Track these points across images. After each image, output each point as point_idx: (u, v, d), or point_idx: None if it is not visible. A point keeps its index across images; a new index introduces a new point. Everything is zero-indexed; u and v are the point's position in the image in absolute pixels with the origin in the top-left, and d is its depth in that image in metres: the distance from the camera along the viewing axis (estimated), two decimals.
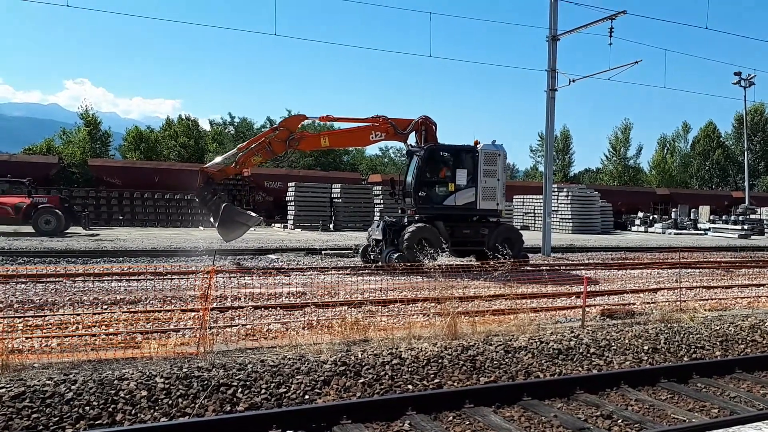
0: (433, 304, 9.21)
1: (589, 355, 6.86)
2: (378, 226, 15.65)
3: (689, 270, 15.66)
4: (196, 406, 4.98)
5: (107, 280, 11.54)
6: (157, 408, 4.91)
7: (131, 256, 16.19)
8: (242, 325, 8.28)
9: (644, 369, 6.48)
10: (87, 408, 4.78)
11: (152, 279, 11.80)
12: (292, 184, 30.30)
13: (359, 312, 8.82)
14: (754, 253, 23.00)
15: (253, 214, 16.96)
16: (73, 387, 5.00)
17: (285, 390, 5.38)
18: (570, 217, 32.77)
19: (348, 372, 5.79)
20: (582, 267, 16.51)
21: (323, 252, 18.34)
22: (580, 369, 6.48)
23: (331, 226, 29.44)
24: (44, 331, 7.61)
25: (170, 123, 55.38)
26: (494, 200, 15.63)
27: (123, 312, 8.77)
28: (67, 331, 7.70)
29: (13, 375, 5.44)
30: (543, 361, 6.54)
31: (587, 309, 9.04)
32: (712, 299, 11.31)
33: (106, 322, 8.16)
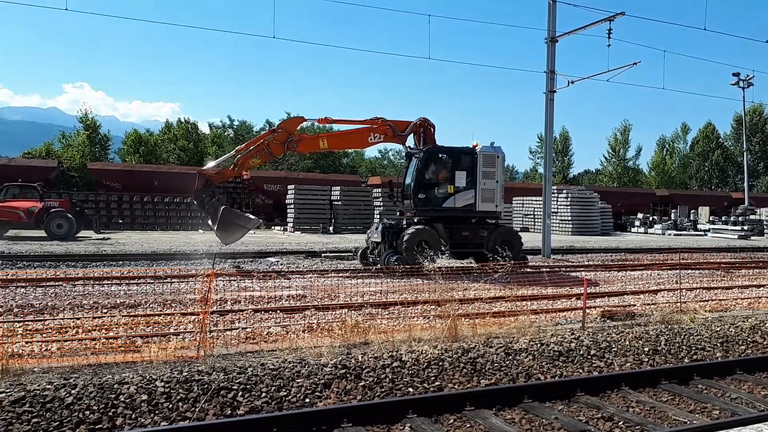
0: (433, 307, 9.21)
1: (589, 356, 6.85)
2: (377, 229, 15.65)
3: (689, 271, 15.66)
4: (197, 410, 4.97)
5: (107, 283, 11.52)
6: (157, 412, 4.90)
7: (131, 260, 16.18)
8: (242, 328, 8.26)
9: (645, 370, 6.47)
10: (87, 412, 4.77)
11: (152, 282, 11.78)
12: (292, 186, 30.31)
13: (359, 315, 8.81)
14: (754, 254, 23.01)
15: (252, 216, 16.96)
16: (73, 391, 4.99)
17: (285, 393, 5.37)
18: (570, 218, 32.79)
19: (348, 375, 5.78)
20: (582, 268, 16.51)
21: (323, 255, 18.34)
22: (580, 371, 6.48)
23: (331, 228, 29.45)
24: (44, 335, 7.60)
25: (169, 126, 55.46)
26: (493, 202, 15.63)
27: (123, 316, 8.76)
28: (67, 335, 7.68)
29: (13, 379, 5.43)
30: (543, 363, 6.53)
31: (587, 311, 9.03)
32: (712, 300, 11.31)
33: (106, 326, 8.14)
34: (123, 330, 7.94)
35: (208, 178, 15.80)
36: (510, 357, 6.59)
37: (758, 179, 62.83)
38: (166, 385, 5.21)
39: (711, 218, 38.33)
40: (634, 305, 10.41)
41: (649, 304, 10.43)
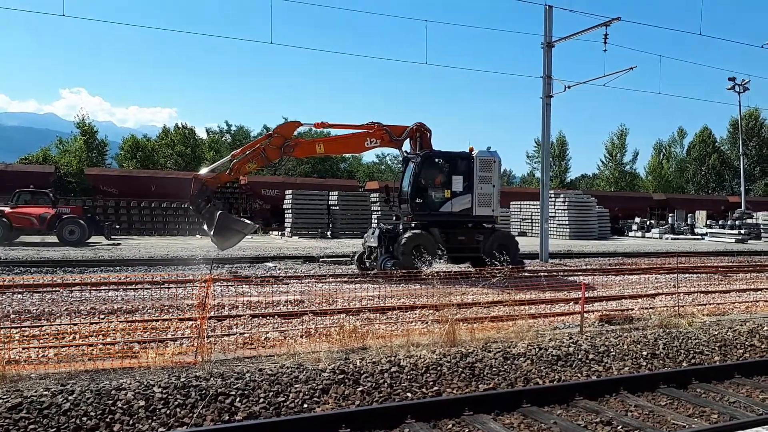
0: (431, 311, 9.20)
1: (588, 361, 6.85)
2: (374, 233, 15.65)
3: (687, 275, 15.69)
4: (194, 415, 4.95)
5: (104, 289, 11.50)
6: (155, 418, 4.88)
7: (128, 265, 16.14)
8: (240, 333, 8.25)
9: (643, 375, 6.47)
10: (84, 418, 4.75)
11: (149, 288, 11.76)
12: (289, 191, 30.30)
13: (357, 319, 8.81)
14: (751, 258, 23.06)
15: (249, 221, 16.92)
16: (70, 397, 4.97)
17: (283, 399, 5.35)
18: (567, 223, 32.82)
19: (346, 380, 5.77)
20: (580, 273, 16.53)
21: (321, 259, 18.32)
22: (579, 375, 6.48)
23: (329, 233, 29.43)
24: (41, 341, 7.57)
25: (167, 131, 55.36)
26: (490, 206, 15.66)
27: (120, 321, 8.74)
28: (64, 341, 7.66)
29: (10, 386, 5.41)
30: (542, 368, 6.53)
31: (585, 315, 9.02)
32: (710, 304, 11.32)
33: (103, 332, 8.12)
34: (120, 336, 7.92)
35: (204, 182, 15.76)
36: (508, 361, 6.58)
37: (755, 183, 62.95)
38: (164, 391, 5.19)
39: (708, 222, 38.39)
40: (632, 309, 10.40)
41: (647, 308, 10.43)
